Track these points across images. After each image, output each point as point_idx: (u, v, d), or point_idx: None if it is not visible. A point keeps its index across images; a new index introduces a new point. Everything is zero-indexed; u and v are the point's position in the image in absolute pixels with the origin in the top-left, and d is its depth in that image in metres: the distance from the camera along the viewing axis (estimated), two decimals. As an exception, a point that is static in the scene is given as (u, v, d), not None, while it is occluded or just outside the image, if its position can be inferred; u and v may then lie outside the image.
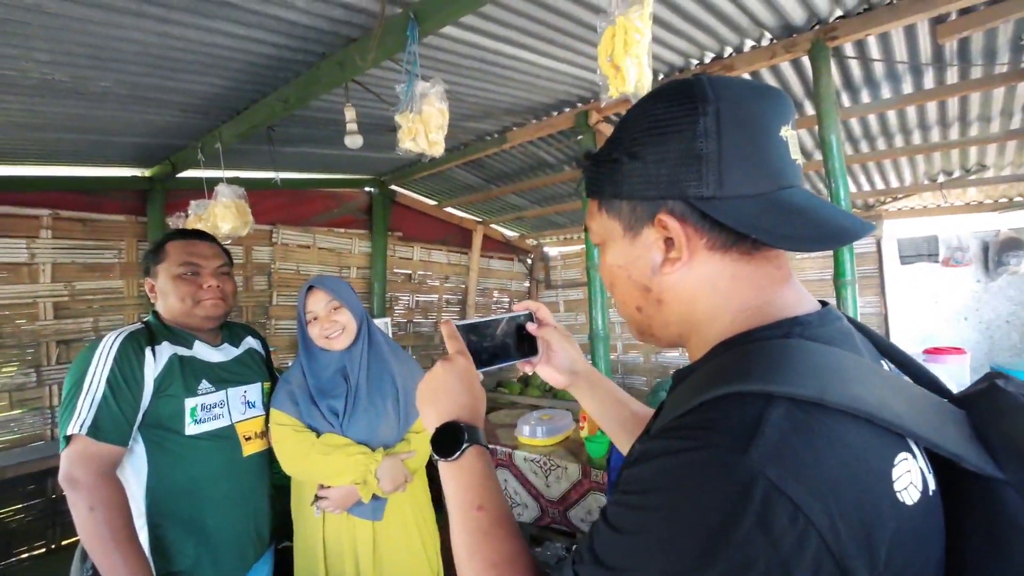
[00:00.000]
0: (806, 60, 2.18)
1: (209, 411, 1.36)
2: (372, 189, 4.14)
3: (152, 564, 1.23)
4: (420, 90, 1.46)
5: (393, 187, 4.20)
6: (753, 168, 0.47)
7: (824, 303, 0.53)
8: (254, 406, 1.47)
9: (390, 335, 3.34)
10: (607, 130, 2.81)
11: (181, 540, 1.32)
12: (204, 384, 1.36)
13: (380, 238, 4.17)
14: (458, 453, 0.62)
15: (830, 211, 0.48)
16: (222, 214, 2.28)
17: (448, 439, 0.63)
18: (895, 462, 0.39)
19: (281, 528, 1.59)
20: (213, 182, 2.37)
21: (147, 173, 2.94)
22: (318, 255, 3.89)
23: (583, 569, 0.44)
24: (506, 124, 2.99)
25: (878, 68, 2.25)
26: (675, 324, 0.54)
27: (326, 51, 1.74)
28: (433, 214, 4.68)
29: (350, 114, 1.82)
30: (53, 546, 2.65)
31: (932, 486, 0.42)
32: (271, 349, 1.69)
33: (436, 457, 0.63)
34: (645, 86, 1.12)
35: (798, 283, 0.52)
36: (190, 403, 1.32)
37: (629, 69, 1.08)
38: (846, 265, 1.99)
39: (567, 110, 2.79)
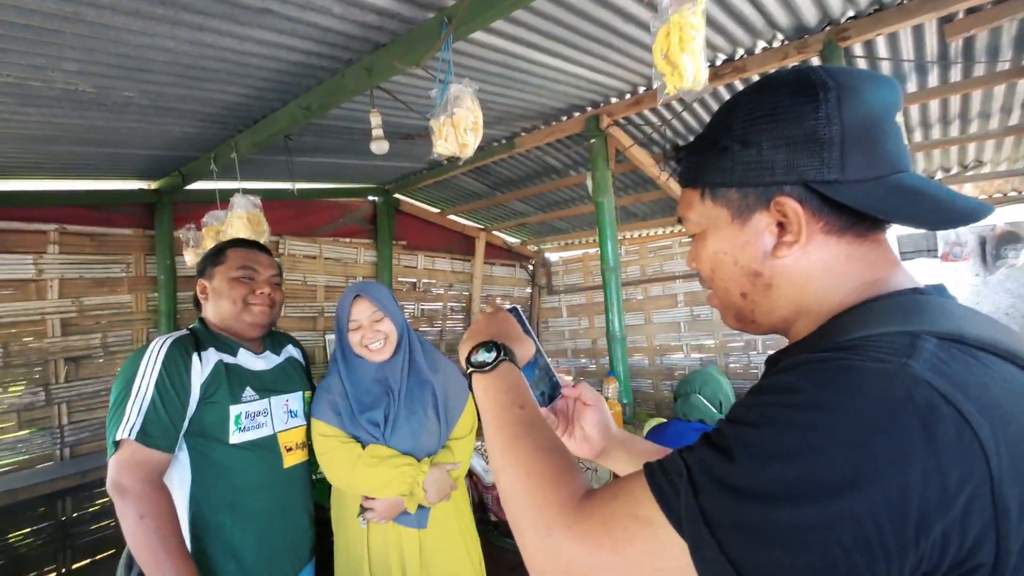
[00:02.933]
0: (816, 61, 2.24)
1: (253, 419, 1.34)
2: (376, 198, 4.13)
3: None
4: (453, 92, 1.47)
5: (397, 195, 4.20)
6: (873, 152, 0.47)
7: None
8: (296, 415, 1.45)
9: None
10: (618, 134, 2.85)
11: (221, 554, 1.30)
12: (248, 392, 1.34)
13: (385, 247, 4.15)
14: (494, 362, 0.63)
15: (947, 192, 0.48)
16: (238, 225, 2.26)
17: (484, 355, 0.65)
18: None
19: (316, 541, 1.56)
20: (224, 194, 2.34)
21: (154, 186, 2.90)
22: (324, 265, 3.86)
23: (714, 464, 0.40)
24: (515, 130, 3.01)
25: (884, 67, 2.31)
26: (783, 308, 0.53)
27: (352, 57, 1.74)
28: (436, 222, 4.68)
29: (376, 120, 1.82)
30: (64, 570, 2.57)
31: None
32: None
33: (471, 369, 0.64)
34: (701, 81, 1.13)
35: (906, 267, 0.53)
36: (235, 411, 1.31)
37: (686, 65, 1.10)
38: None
39: (576, 115, 2.82)
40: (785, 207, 0.49)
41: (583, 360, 5.81)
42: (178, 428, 1.23)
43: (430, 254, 4.72)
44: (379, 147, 1.85)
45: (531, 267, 5.92)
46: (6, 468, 2.45)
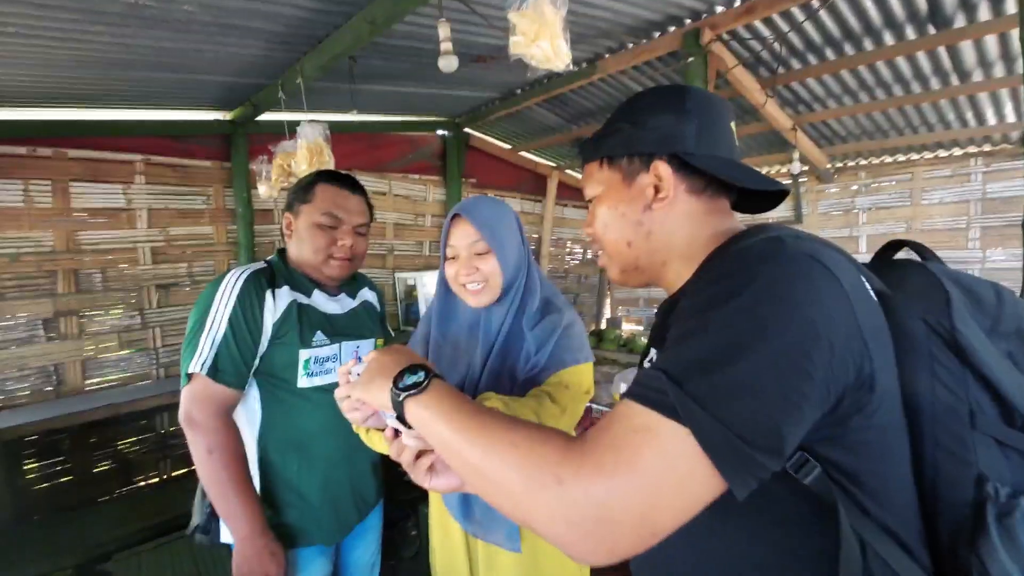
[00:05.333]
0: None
1: (322, 365, 1.28)
2: (445, 132, 3.95)
3: None
4: (538, -10, 1.23)
5: (467, 130, 3.99)
6: (717, 138, 0.67)
7: None
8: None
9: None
10: (721, 52, 2.44)
11: (287, 493, 1.28)
12: (319, 336, 1.28)
13: (455, 184, 4.02)
14: (426, 379, 0.62)
15: (757, 172, 0.68)
16: (304, 155, 2.18)
17: (411, 378, 0.63)
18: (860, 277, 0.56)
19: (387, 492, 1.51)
20: (293, 125, 2.27)
21: (229, 116, 2.89)
22: (393, 202, 3.80)
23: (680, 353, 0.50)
24: (599, 50, 2.68)
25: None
26: (661, 252, 0.69)
27: (420, -44, 1.52)
28: (507, 159, 4.46)
29: (444, 31, 1.62)
30: (165, 476, 2.83)
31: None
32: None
33: (405, 395, 0.61)
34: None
35: None
36: (304, 355, 1.25)
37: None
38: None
39: (672, 29, 2.44)
40: (659, 169, 0.66)
41: (655, 309, 5.54)
42: (249, 365, 1.20)
43: (500, 193, 4.54)
44: (447, 63, 1.65)
45: (605, 210, 5.60)
46: (111, 383, 2.68)
